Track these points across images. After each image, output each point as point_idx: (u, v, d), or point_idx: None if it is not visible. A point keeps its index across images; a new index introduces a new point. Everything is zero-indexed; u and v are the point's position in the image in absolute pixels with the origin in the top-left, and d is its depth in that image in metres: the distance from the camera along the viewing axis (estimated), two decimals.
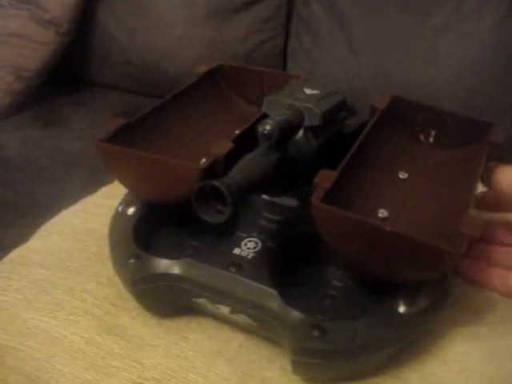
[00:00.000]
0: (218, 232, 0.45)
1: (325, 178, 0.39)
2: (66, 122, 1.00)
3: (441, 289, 0.41)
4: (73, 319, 0.46)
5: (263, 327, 0.41)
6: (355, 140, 0.44)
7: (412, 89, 0.85)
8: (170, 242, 0.48)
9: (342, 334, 0.38)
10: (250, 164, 0.39)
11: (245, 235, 0.45)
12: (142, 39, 1.05)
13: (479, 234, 0.36)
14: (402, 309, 0.40)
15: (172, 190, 0.43)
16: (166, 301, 0.45)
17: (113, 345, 0.44)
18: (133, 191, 0.49)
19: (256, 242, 0.45)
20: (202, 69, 0.58)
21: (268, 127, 0.40)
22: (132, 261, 0.44)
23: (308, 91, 0.46)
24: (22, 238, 0.56)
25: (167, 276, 0.43)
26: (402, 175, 0.47)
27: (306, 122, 0.43)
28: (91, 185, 0.63)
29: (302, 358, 0.38)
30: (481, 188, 0.46)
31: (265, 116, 0.44)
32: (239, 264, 0.42)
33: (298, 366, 0.40)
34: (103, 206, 0.58)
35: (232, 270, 0.42)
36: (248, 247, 0.44)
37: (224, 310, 0.42)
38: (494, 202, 0.46)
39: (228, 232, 0.46)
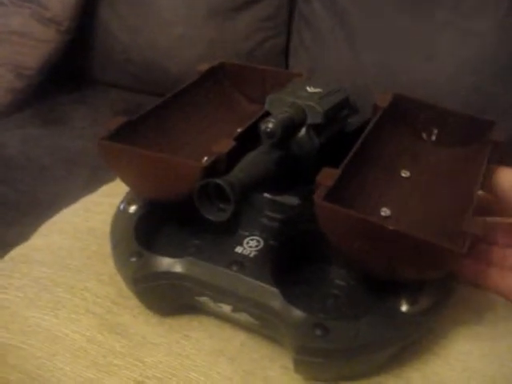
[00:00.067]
0: (219, 230, 0.45)
1: (327, 177, 0.39)
2: (67, 121, 1.00)
3: (443, 288, 0.41)
4: (74, 317, 0.46)
5: (265, 326, 0.41)
6: (357, 138, 0.44)
7: (412, 87, 0.84)
8: (171, 241, 0.48)
9: (345, 333, 0.38)
10: (253, 162, 0.39)
11: (247, 234, 0.45)
12: (143, 38, 1.05)
13: (482, 233, 0.36)
14: (404, 308, 0.39)
15: (174, 188, 0.43)
16: (167, 299, 0.45)
17: (114, 343, 0.43)
18: (134, 189, 0.49)
19: (258, 241, 0.45)
20: (204, 67, 0.57)
21: (270, 125, 0.40)
22: (134, 259, 0.44)
23: (310, 89, 0.46)
24: (23, 237, 0.56)
25: (169, 274, 0.42)
26: (405, 173, 0.47)
27: (309, 120, 0.43)
28: (92, 183, 0.63)
29: (304, 357, 0.38)
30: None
31: (267, 114, 0.44)
32: (241, 262, 0.42)
33: (299, 365, 0.40)
34: (104, 204, 0.58)
35: (234, 268, 0.42)
36: (250, 246, 0.44)
37: (226, 308, 0.42)
38: (493, 205, 0.46)
39: (230, 230, 0.46)
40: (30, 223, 0.58)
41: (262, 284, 0.40)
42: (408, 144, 0.51)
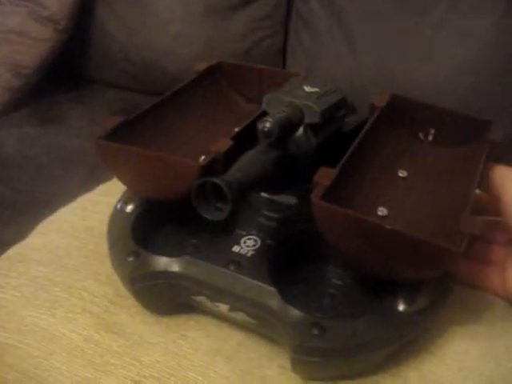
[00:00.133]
0: (217, 230, 0.45)
1: (324, 176, 0.39)
2: (64, 120, 0.99)
3: (440, 288, 0.41)
4: (71, 317, 0.46)
5: (262, 325, 0.41)
6: (355, 138, 0.44)
7: (410, 87, 0.85)
8: (168, 240, 0.48)
9: (342, 333, 0.38)
10: (250, 161, 0.39)
11: (244, 233, 0.45)
12: (140, 37, 1.05)
13: (479, 232, 0.36)
14: (401, 307, 0.40)
15: (171, 187, 0.43)
16: (164, 299, 0.45)
17: (111, 342, 0.43)
18: (131, 189, 0.49)
19: (255, 240, 0.45)
20: (201, 66, 0.57)
21: (268, 125, 0.40)
22: (131, 258, 0.44)
23: (308, 89, 0.46)
24: (20, 236, 0.56)
25: (166, 274, 0.42)
26: (402, 173, 0.47)
27: (306, 120, 0.43)
28: (89, 182, 0.63)
29: (302, 357, 0.38)
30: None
31: (264, 113, 0.44)
32: (238, 262, 0.42)
33: (297, 365, 0.40)
34: (101, 203, 0.58)
35: (231, 267, 0.42)
36: (247, 245, 0.44)
37: (223, 307, 0.42)
38: (489, 204, 0.46)
39: (227, 230, 0.46)
40: (27, 222, 0.58)
41: (259, 283, 0.40)
42: (405, 144, 0.51)
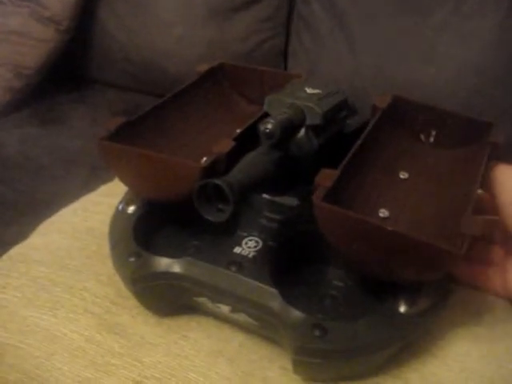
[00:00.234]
0: (218, 231, 0.45)
1: (326, 178, 0.39)
2: (65, 120, 1.00)
3: (441, 289, 0.41)
4: (72, 317, 0.46)
5: (264, 326, 0.41)
6: (356, 139, 0.44)
7: (412, 89, 0.85)
8: (170, 241, 0.48)
9: (343, 334, 0.38)
10: (252, 163, 0.39)
11: (245, 234, 0.45)
12: (141, 38, 1.05)
13: (481, 233, 0.36)
14: (402, 309, 0.40)
15: (173, 188, 0.43)
16: (166, 299, 0.45)
17: (113, 343, 0.43)
18: (133, 189, 0.49)
19: (257, 241, 0.45)
20: (203, 67, 0.57)
21: (269, 126, 0.40)
22: (132, 259, 0.44)
23: (309, 90, 0.46)
24: (21, 236, 0.56)
25: (168, 274, 0.42)
26: (403, 175, 0.47)
27: (308, 121, 0.43)
28: (91, 183, 0.63)
29: (303, 358, 0.38)
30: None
31: (266, 115, 0.44)
32: (240, 263, 0.42)
33: (298, 366, 0.40)
34: (103, 204, 0.58)
35: (233, 268, 0.42)
36: (249, 246, 0.44)
37: (224, 309, 0.42)
38: (490, 204, 0.46)
39: (229, 231, 0.46)
40: (28, 223, 0.58)
41: (261, 284, 0.40)
42: (406, 145, 0.51)
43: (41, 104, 1.03)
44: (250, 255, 0.43)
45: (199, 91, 0.56)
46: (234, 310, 0.42)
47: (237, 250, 0.44)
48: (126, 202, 0.49)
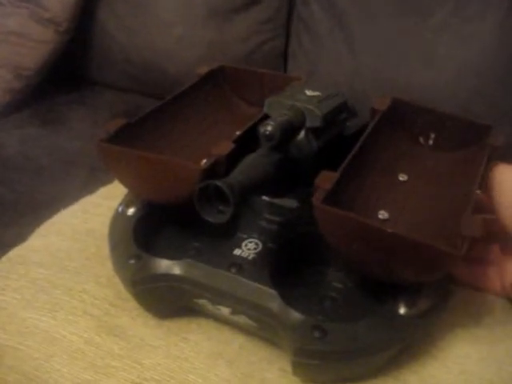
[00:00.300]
0: (218, 233, 0.45)
1: (326, 180, 0.39)
2: (65, 121, 0.99)
3: (441, 291, 0.41)
4: (72, 319, 0.46)
5: (263, 328, 0.41)
6: (356, 142, 0.44)
7: (412, 90, 0.85)
8: (170, 243, 0.48)
9: (343, 336, 0.38)
10: (252, 165, 0.39)
11: (245, 236, 0.45)
12: (141, 39, 1.05)
13: (480, 234, 0.36)
14: (402, 310, 0.40)
15: (173, 190, 0.43)
16: (166, 301, 0.45)
17: (112, 345, 0.43)
18: (133, 191, 0.49)
19: (256, 243, 0.45)
20: (203, 70, 0.57)
21: (269, 128, 0.40)
22: (132, 261, 0.44)
23: (309, 93, 0.46)
24: (20, 237, 0.56)
25: (167, 276, 0.42)
26: (402, 177, 0.48)
27: (308, 124, 0.43)
28: (90, 184, 0.63)
29: (302, 359, 0.38)
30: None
31: (266, 117, 0.44)
32: (240, 265, 0.42)
33: (298, 368, 0.40)
34: (102, 206, 0.58)
35: (233, 270, 0.42)
36: (249, 248, 0.44)
37: (224, 310, 0.42)
38: (488, 205, 0.46)
39: (229, 233, 0.46)
40: (27, 224, 0.58)
41: (261, 286, 0.40)
42: (406, 148, 0.51)
43: (41, 105, 1.03)
44: (250, 257, 0.43)
45: (199, 93, 0.56)
46: (234, 312, 0.42)
47: (237, 251, 0.44)
48: (126, 203, 0.49)
